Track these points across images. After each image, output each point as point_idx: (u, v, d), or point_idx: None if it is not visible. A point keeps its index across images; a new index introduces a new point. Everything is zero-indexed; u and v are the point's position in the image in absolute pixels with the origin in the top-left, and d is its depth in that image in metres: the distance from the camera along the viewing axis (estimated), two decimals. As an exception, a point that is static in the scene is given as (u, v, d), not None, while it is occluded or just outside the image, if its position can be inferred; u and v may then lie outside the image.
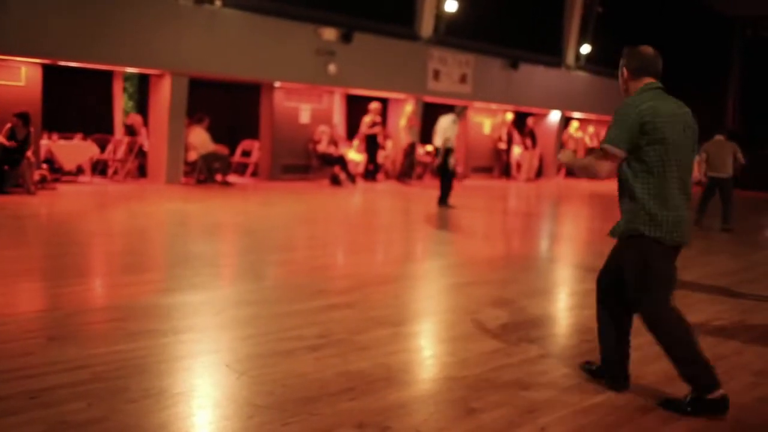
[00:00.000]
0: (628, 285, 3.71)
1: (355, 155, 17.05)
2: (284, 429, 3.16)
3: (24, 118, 11.39)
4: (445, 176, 12.50)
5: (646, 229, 3.55)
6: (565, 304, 6.16)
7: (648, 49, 3.71)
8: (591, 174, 3.65)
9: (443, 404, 3.58)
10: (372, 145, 16.93)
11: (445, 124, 12.27)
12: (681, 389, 3.93)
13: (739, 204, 17.79)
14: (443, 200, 12.49)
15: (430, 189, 15.63)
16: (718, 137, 11.80)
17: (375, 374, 3.90)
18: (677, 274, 3.79)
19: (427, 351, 4.47)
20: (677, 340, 3.65)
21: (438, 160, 12.52)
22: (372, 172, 17.00)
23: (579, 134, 23.10)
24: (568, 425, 3.36)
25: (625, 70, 3.72)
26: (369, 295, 5.82)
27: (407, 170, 17.32)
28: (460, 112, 12.69)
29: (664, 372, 4.22)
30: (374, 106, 16.85)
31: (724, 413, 3.53)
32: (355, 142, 17.29)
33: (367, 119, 16.79)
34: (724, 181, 11.64)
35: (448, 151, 12.28)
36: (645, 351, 4.62)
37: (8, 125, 11.36)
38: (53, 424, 3.08)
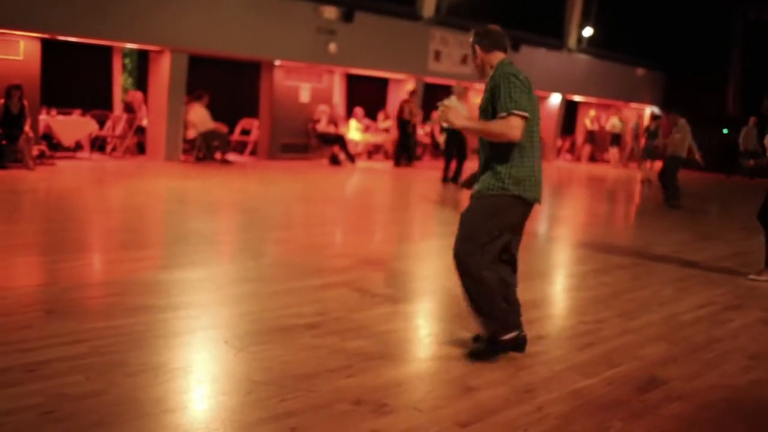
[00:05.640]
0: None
1: (354, 134, 17.01)
2: (282, 405, 3.17)
3: (18, 90, 11.32)
4: (448, 155, 13.25)
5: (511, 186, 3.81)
6: (563, 285, 6.17)
7: (497, 28, 4.03)
8: (504, 138, 3.71)
9: (440, 382, 3.59)
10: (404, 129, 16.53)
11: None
12: (674, 371, 3.96)
13: (737, 190, 17.82)
14: (445, 179, 13.19)
15: (430, 170, 15.63)
16: (683, 120, 12.00)
17: (373, 352, 3.92)
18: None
19: (425, 330, 4.48)
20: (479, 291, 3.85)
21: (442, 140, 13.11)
22: (408, 154, 16.70)
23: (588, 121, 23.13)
24: (565, 405, 3.38)
25: (478, 48, 4.00)
26: (367, 274, 5.83)
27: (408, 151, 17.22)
28: (460, 93, 12.72)
29: (660, 354, 4.24)
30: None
31: (521, 350, 3.98)
32: (353, 121, 17.20)
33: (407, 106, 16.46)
34: (687, 162, 12.14)
35: (448, 132, 12.83)
36: (642, 333, 4.65)
37: (0, 101, 11.29)
38: (51, 396, 3.09)
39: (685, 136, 11.81)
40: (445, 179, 13.19)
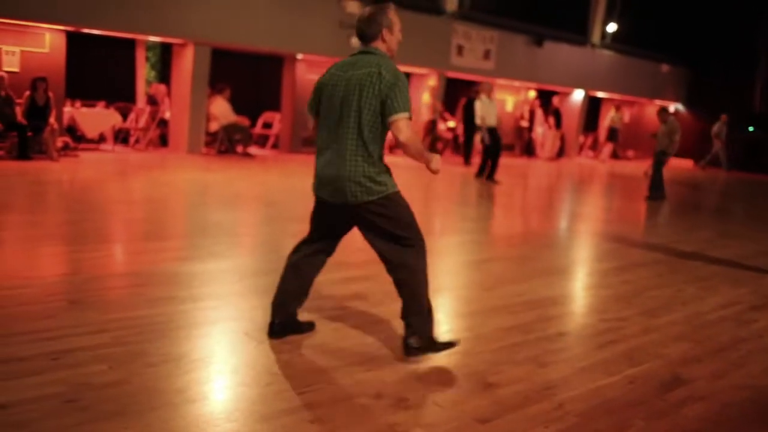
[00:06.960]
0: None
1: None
2: (301, 397, 3.18)
3: (43, 83, 11.45)
4: (485, 152, 13.44)
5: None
6: (584, 282, 6.13)
7: (370, 14, 3.74)
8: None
9: (460, 378, 3.58)
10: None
11: (478, 105, 13.21)
12: (698, 370, 3.91)
13: (759, 187, 17.58)
14: (480, 173, 13.47)
15: (451, 165, 15.57)
16: (672, 117, 12.34)
17: (392, 346, 3.91)
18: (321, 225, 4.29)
19: (445, 326, 4.47)
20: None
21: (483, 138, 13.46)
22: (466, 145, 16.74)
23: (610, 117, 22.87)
24: (586, 403, 3.35)
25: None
26: (387, 269, 5.81)
27: (429, 146, 17.19)
28: (489, 90, 13.33)
29: (683, 353, 4.20)
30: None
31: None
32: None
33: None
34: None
35: (488, 129, 13.16)
36: (665, 332, 4.60)
37: (27, 93, 11.42)
38: (74, 385, 3.12)
39: (670, 133, 12.12)
40: (480, 174, 13.41)
